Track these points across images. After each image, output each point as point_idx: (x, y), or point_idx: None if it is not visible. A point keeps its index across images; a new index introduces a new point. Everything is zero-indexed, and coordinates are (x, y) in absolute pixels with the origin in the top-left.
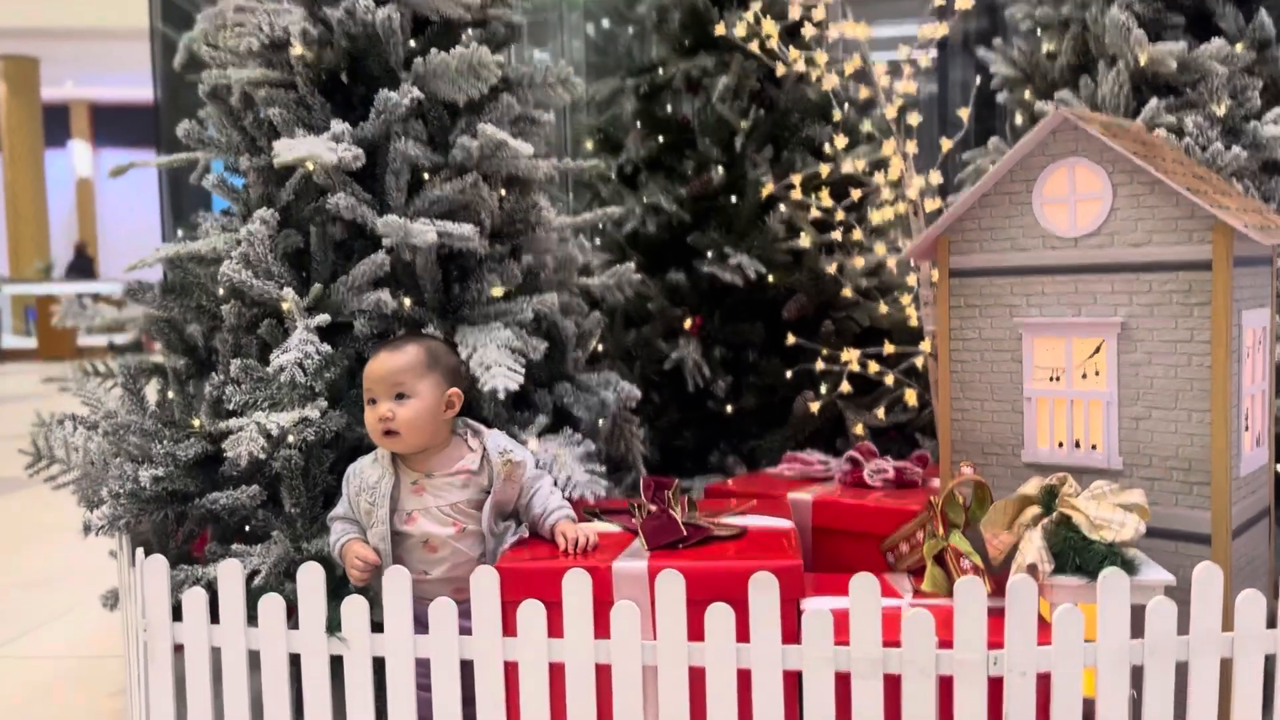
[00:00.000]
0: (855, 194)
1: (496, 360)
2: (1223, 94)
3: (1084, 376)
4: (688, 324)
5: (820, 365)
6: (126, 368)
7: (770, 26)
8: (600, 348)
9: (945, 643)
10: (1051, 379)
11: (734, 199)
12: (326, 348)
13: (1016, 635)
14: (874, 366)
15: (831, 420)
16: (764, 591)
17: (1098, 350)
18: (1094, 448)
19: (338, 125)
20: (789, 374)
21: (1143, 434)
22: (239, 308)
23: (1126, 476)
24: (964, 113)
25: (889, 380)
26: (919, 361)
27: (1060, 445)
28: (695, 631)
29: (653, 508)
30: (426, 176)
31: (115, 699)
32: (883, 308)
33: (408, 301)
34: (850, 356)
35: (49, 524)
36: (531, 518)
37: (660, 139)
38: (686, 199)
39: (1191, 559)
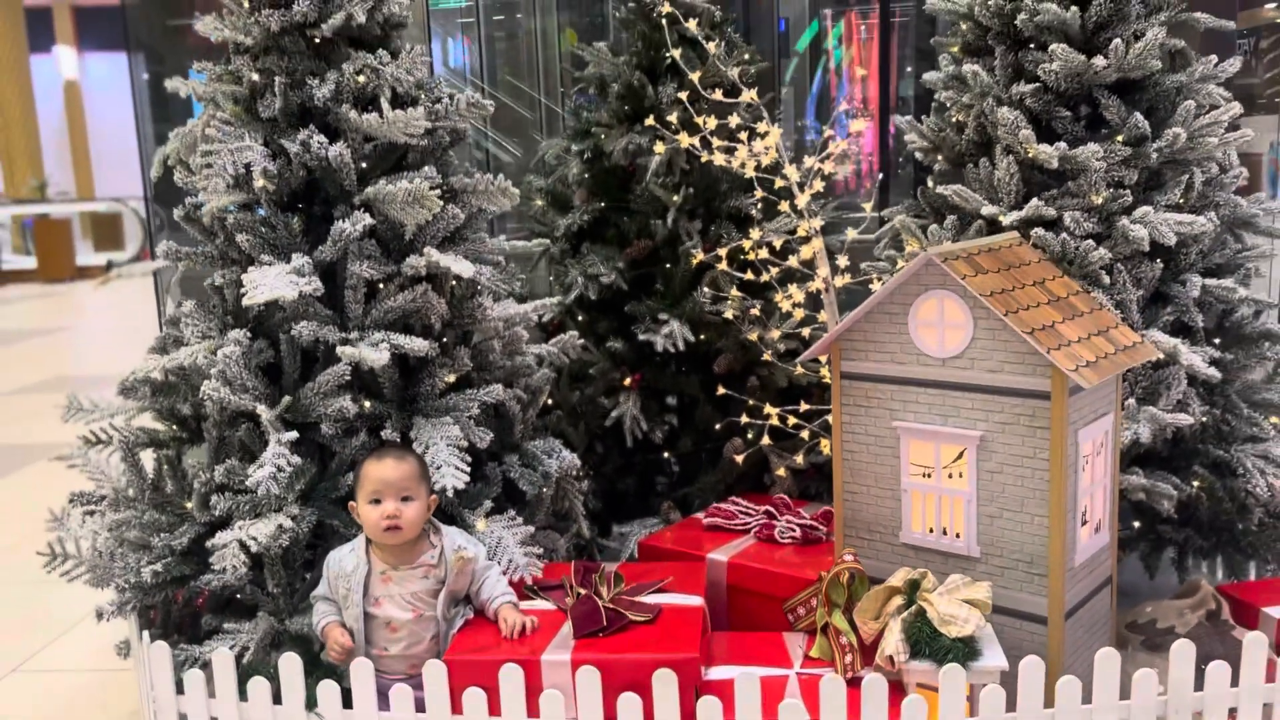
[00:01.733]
0: (774, 270)
1: (446, 460)
2: (1100, 186)
3: (949, 476)
4: (627, 381)
5: (745, 418)
6: (125, 441)
7: (699, 117)
8: (549, 401)
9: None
10: (924, 475)
11: (668, 266)
12: (297, 460)
13: None
14: (792, 420)
15: (758, 463)
16: (665, 685)
17: (960, 456)
18: (958, 536)
19: (298, 259)
20: (718, 426)
21: (996, 529)
22: (220, 413)
23: (983, 563)
24: (868, 206)
25: (804, 435)
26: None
27: (930, 531)
28: (611, 709)
29: (582, 590)
30: (381, 286)
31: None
32: (799, 369)
33: (368, 404)
34: (771, 411)
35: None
36: (480, 602)
37: (604, 202)
38: (625, 267)
39: (1033, 634)
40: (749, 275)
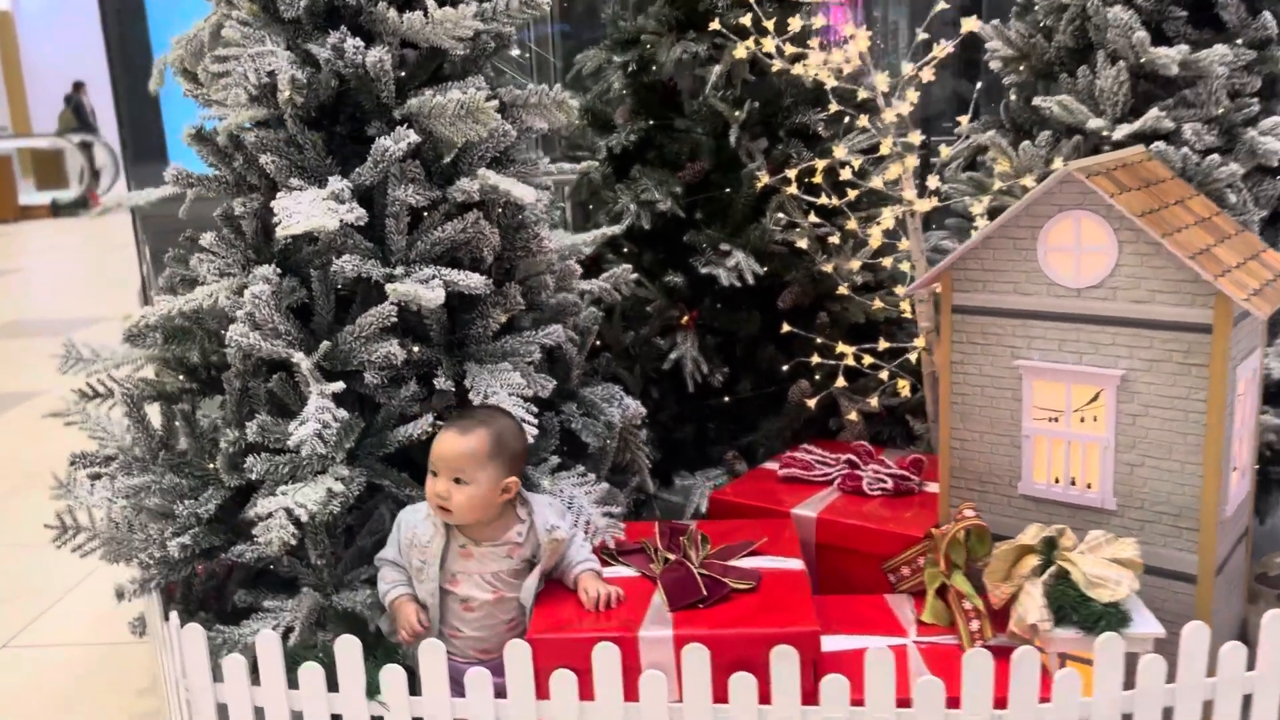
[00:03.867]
0: (851, 194)
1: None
2: (1221, 96)
3: (1081, 420)
4: (684, 320)
5: (815, 359)
6: (128, 395)
7: (767, 20)
8: (597, 343)
9: (953, 698)
10: (1050, 419)
11: (727, 191)
12: (343, 413)
13: (1019, 703)
14: (868, 360)
15: (825, 406)
16: (785, 662)
17: (1096, 398)
18: (1089, 487)
19: (336, 182)
20: (785, 367)
21: (1137, 479)
22: (244, 361)
23: (1119, 516)
24: (963, 120)
25: (883, 375)
26: (913, 356)
27: (1056, 481)
28: (718, 690)
29: (670, 555)
30: (425, 214)
31: (146, 699)
32: (877, 303)
33: (415, 349)
34: (846, 350)
35: (46, 453)
36: (559, 569)
37: (650, 120)
38: (680, 193)
39: (1177, 595)
40: (823, 200)
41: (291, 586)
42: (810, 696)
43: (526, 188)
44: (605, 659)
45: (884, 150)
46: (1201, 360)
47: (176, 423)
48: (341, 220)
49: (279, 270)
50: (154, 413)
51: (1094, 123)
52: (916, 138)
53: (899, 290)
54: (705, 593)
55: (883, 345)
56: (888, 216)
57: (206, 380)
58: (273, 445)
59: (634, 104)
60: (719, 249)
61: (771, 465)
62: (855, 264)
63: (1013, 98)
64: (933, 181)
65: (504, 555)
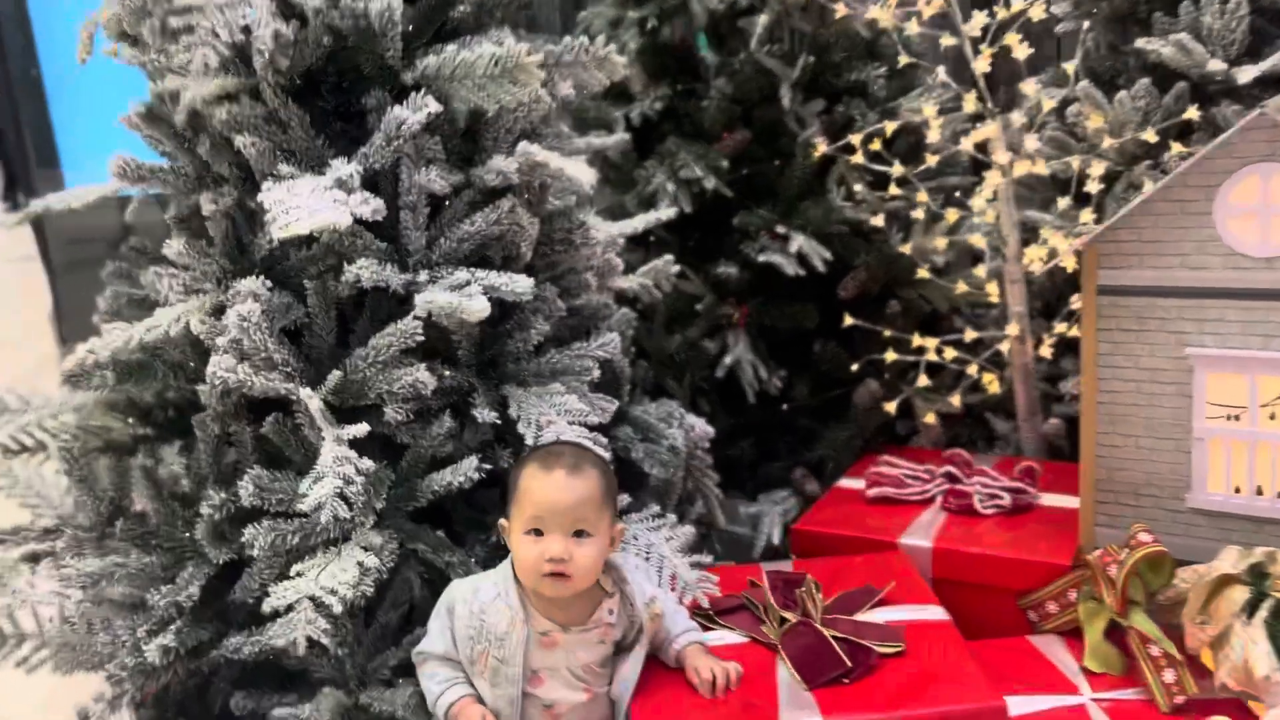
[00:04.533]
0: (931, 159)
1: None
2: None
3: (1273, 417)
4: (735, 317)
5: (891, 355)
6: (67, 449)
7: None
8: (634, 350)
9: None
10: (1229, 417)
11: (778, 165)
12: (368, 463)
13: None
14: (950, 353)
15: (898, 409)
16: None
17: None
18: (1279, 496)
19: (342, 166)
20: (855, 366)
21: None
22: (222, 401)
23: None
24: (1069, 66)
25: (971, 369)
26: (1004, 346)
27: (1238, 491)
28: None
29: (787, 614)
30: (447, 204)
31: None
32: (961, 286)
33: (447, 373)
34: (928, 344)
35: None
36: (654, 642)
37: (671, 87)
38: (723, 169)
39: None
40: (896, 169)
41: (300, 681)
42: None
43: (581, 165)
44: None
45: (969, 108)
46: None
47: (133, 481)
48: (355, 215)
49: (267, 283)
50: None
51: (1214, 65)
52: (1027, 87)
53: (979, 271)
54: (849, 663)
55: (970, 335)
56: (990, 184)
57: (164, 424)
58: (274, 509)
59: (653, 66)
60: (775, 232)
61: (850, 483)
62: (941, 242)
63: (1089, 44)
64: (1030, 142)
65: (596, 641)
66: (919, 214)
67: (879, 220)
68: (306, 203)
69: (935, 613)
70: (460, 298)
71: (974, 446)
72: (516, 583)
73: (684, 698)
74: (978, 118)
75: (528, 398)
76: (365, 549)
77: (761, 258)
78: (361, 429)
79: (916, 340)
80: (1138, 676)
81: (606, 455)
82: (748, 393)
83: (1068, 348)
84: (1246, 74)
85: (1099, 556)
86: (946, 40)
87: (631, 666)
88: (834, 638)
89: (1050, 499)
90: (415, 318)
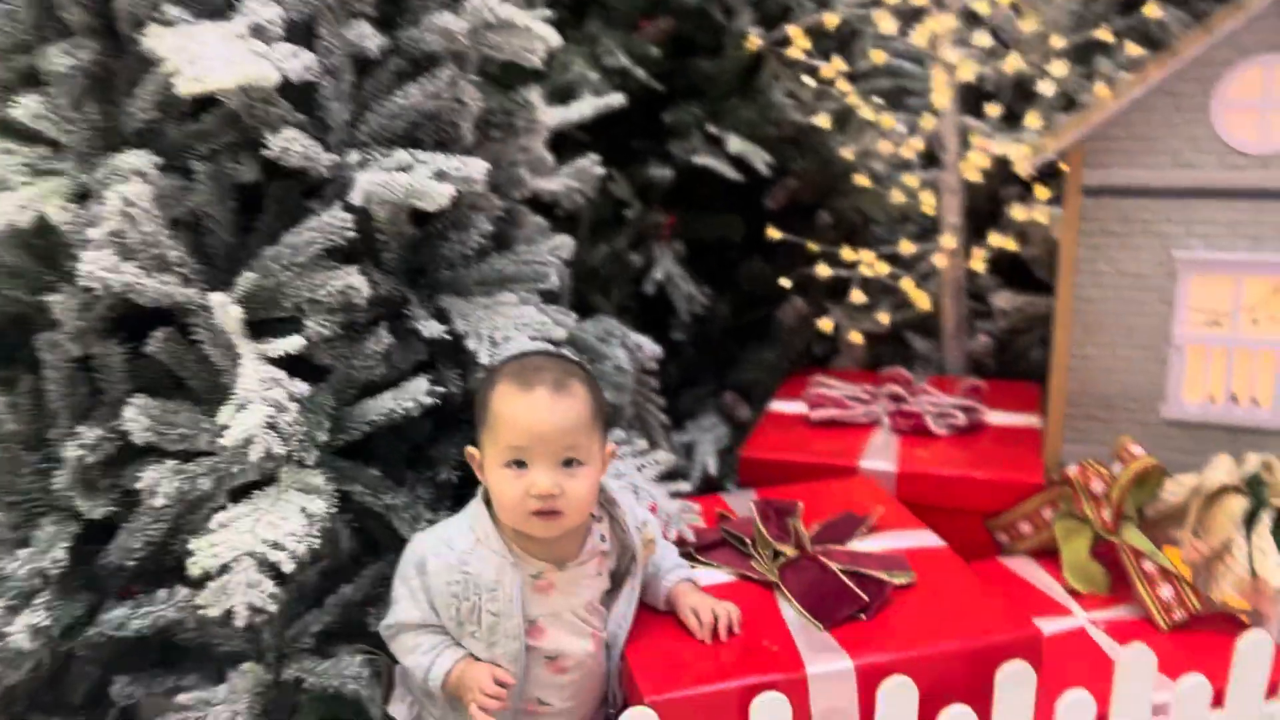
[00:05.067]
0: (878, 56)
1: None
2: None
3: (1254, 322)
4: (661, 227)
5: (825, 269)
6: None
7: None
8: None
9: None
10: (1211, 324)
11: (707, 57)
12: (302, 387)
13: None
14: (884, 267)
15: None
16: (1018, 687)
17: (1278, 292)
18: (1255, 403)
19: (260, 7)
20: (788, 282)
21: None
22: (84, 313)
23: None
24: None
25: (906, 284)
26: (939, 260)
27: (1213, 401)
28: None
29: (783, 548)
30: (372, 74)
31: None
32: (898, 195)
33: (378, 280)
34: (865, 257)
35: None
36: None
37: None
38: (651, 58)
39: None
40: (834, 66)
41: (201, 660)
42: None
43: (545, 25)
44: (770, 716)
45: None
46: None
47: None
48: (283, 72)
49: (156, 159)
50: None
51: None
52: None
53: (910, 180)
54: (865, 598)
55: (906, 247)
56: (938, 85)
57: None
58: (172, 447)
59: None
60: (708, 133)
61: (784, 407)
62: (885, 146)
63: None
64: (980, 39)
65: (594, 574)
66: (868, 111)
67: (824, 120)
68: (219, 51)
69: (929, 538)
70: (417, 181)
71: (909, 366)
72: (494, 523)
73: (684, 643)
74: (920, 12)
75: (473, 309)
76: (308, 493)
77: (699, 160)
78: (293, 342)
79: (848, 254)
80: (1129, 593)
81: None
82: (680, 310)
83: (998, 262)
84: None
85: (1078, 472)
86: None
87: (625, 604)
88: (843, 573)
89: (996, 417)
90: (348, 208)
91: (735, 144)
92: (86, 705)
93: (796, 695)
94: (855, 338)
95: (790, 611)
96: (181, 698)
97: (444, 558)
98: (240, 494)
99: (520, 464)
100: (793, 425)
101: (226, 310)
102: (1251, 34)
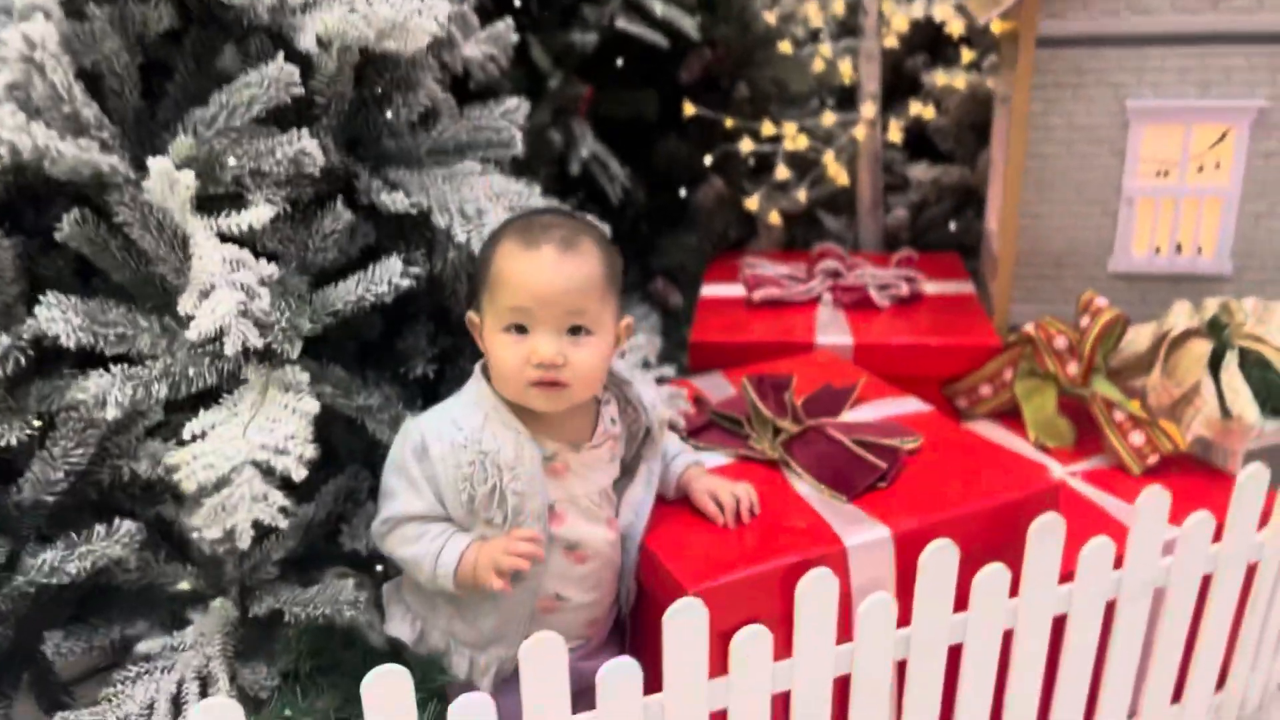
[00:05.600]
0: None
1: None
2: None
3: (1199, 170)
4: (580, 102)
5: (749, 144)
6: None
7: None
8: None
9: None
10: (1160, 174)
11: None
12: (271, 269)
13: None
14: (804, 141)
15: (734, 208)
16: (1049, 538)
17: (1222, 138)
18: (1199, 251)
19: None
20: (709, 160)
21: (1261, 233)
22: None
23: (1233, 282)
24: None
25: (828, 158)
26: (859, 131)
27: (1158, 251)
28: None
29: (785, 424)
30: None
31: None
32: (819, 63)
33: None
34: (789, 130)
35: None
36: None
37: None
38: None
39: None
40: None
41: (140, 605)
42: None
43: None
44: (819, 592)
45: None
46: None
47: None
48: None
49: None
50: None
51: None
52: None
53: (825, 50)
54: (884, 465)
55: (829, 119)
56: None
57: None
58: (110, 349)
59: None
60: None
61: (716, 290)
62: (812, 8)
63: None
64: None
65: (608, 459)
66: None
67: None
68: None
69: (915, 404)
70: (398, 13)
71: (808, 246)
72: (501, 398)
73: (707, 530)
74: None
75: (433, 182)
76: (298, 393)
77: (621, 24)
78: (260, 214)
79: (769, 128)
80: (1097, 444)
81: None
82: (610, 194)
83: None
84: None
85: (1038, 330)
86: None
87: (643, 490)
88: (856, 444)
89: (932, 286)
90: (296, 54)
91: (660, 7)
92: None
93: (837, 569)
94: (774, 218)
95: (804, 487)
96: (141, 647)
97: (450, 439)
98: (182, 405)
99: (521, 329)
100: (733, 308)
101: (174, 178)
102: None
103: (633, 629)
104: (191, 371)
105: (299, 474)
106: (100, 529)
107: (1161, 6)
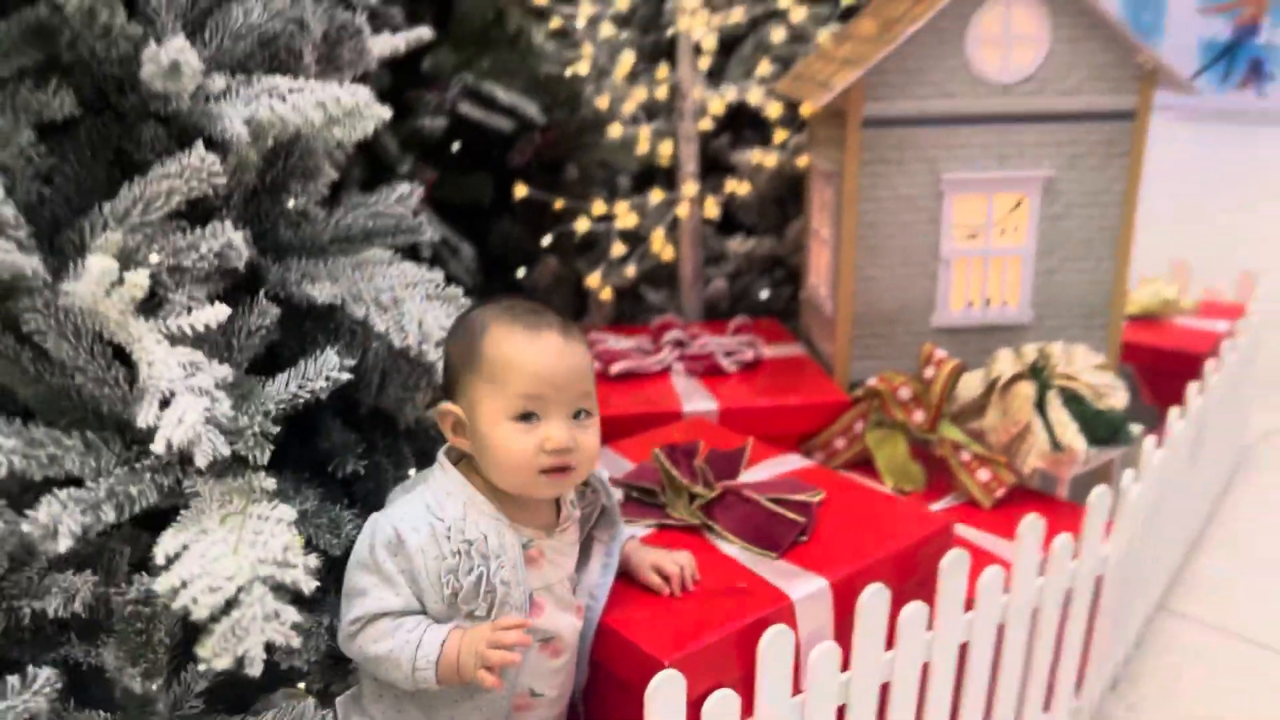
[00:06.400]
0: (622, 2)
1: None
2: None
3: (1001, 233)
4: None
5: (584, 224)
6: None
7: None
8: None
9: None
10: (970, 237)
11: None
12: (225, 370)
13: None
14: (633, 219)
15: (569, 287)
16: (958, 572)
17: (1018, 205)
18: (1005, 304)
19: None
20: (546, 241)
21: (1054, 285)
22: None
23: (1033, 329)
24: None
25: (656, 235)
26: (681, 209)
27: (971, 305)
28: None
29: (699, 489)
30: None
31: None
32: (644, 143)
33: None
34: (620, 209)
35: None
36: None
37: None
38: None
39: None
40: (585, 10)
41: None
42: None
43: None
44: (779, 646)
45: None
46: (1123, 150)
47: None
48: None
49: None
50: None
51: None
52: None
53: (645, 132)
54: (802, 520)
55: (658, 196)
56: (683, 37)
57: None
58: (39, 473)
59: None
60: (469, 85)
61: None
62: (641, 93)
63: None
64: None
65: (571, 543)
66: (626, 65)
67: (583, 68)
68: None
69: (799, 460)
70: (345, 101)
71: (634, 320)
72: (476, 487)
73: (658, 601)
74: None
75: (343, 269)
76: (256, 500)
77: (464, 110)
78: (217, 313)
79: (600, 208)
80: (948, 483)
81: None
82: (461, 278)
83: (726, 208)
84: None
85: (883, 383)
86: None
87: (599, 573)
88: (770, 503)
89: (768, 350)
90: (214, 143)
91: (509, 99)
92: None
93: (788, 622)
94: (606, 294)
95: (730, 548)
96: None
97: (429, 529)
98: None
99: (528, 417)
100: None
101: (115, 278)
102: None
103: (586, 713)
104: (134, 490)
105: (309, 586)
106: (13, 681)
107: (965, 92)
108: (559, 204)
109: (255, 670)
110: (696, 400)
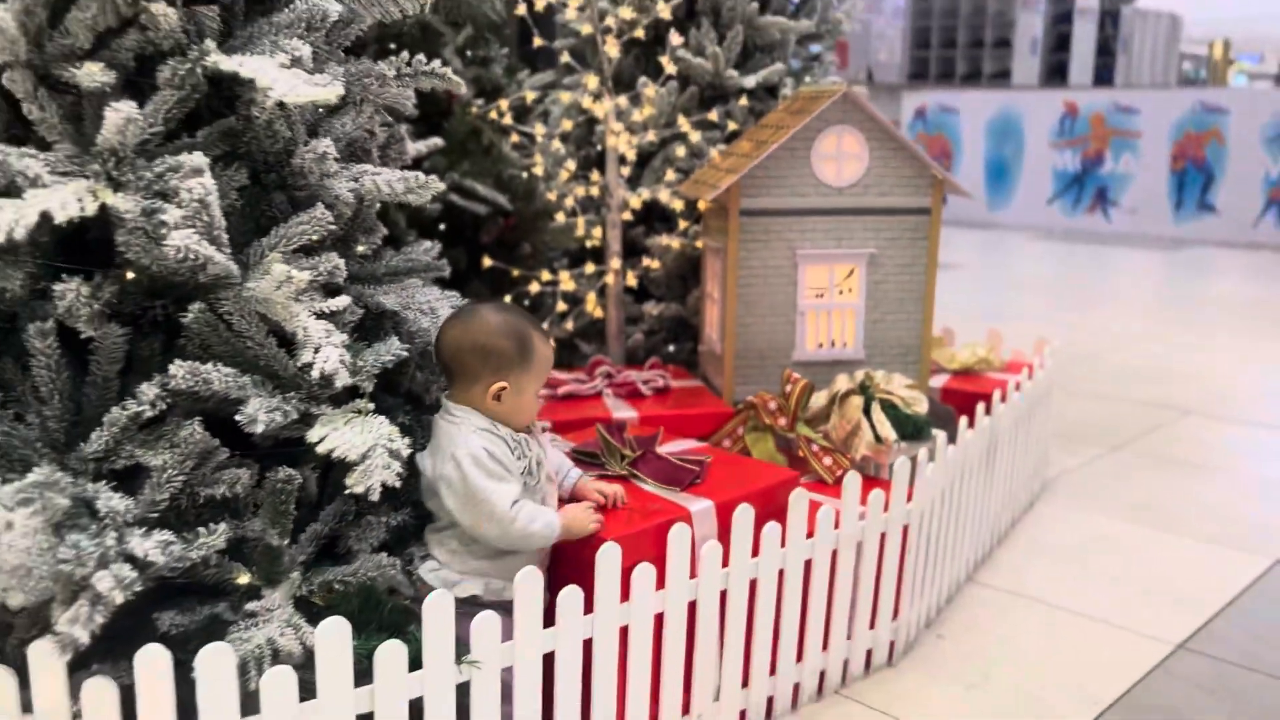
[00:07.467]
0: (566, 124)
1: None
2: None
3: (841, 293)
4: None
5: (536, 286)
6: None
7: None
8: None
9: None
10: (817, 295)
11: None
12: (344, 336)
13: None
14: (572, 285)
15: None
16: (801, 503)
17: (851, 273)
18: (845, 344)
19: (294, 45)
20: (506, 299)
21: (879, 331)
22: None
23: (868, 362)
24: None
25: (590, 298)
26: (609, 278)
27: (820, 345)
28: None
29: (628, 452)
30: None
31: None
32: (580, 229)
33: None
34: (564, 277)
35: None
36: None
37: None
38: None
39: None
40: (539, 129)
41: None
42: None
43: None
44: (681, 536)
45: (590, 85)
46: (924, 235)
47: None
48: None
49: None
50: None
51: (729, 72)
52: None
53: (580, 222)
54: (697, 469)
55: (591, 268)
56: (610, 151)
57: None
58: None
59: None
60: (454, 182)
61: None
62: (580, 190)
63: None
64: (640, 115)
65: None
66: (568, 171)
67: (539, 169)
68: (286, 76)
69: (693, 443)
70: (411, 180)
71: (570, 366)
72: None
73: (603, 512)
74: (596, 95)
75: (396, 290)
76: (367, 414)
77: (460, 201)
78: (340, 301)
79: (547, 275)
80: (804, 467)
81: None
82: None
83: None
84: (749, 80)
85: (757, 399)
86: (586, 29)
87: (558, 458)
88: (672, 460)
89: (674, 382)
90: (329, 205)
91: (487, 192)
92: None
93: (687, 524)
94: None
95: (649, 487)
96: (251, 606)
97: (499, 444)
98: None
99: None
100: (548, 401)
101: (289, 275)
102: (830, 112)
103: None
104: (286, 408)
105: (405, 453)
106: (201, 530)
107: (812, 192)
108: (516, 272)
109: (374, 497)
110: (622, 411)
